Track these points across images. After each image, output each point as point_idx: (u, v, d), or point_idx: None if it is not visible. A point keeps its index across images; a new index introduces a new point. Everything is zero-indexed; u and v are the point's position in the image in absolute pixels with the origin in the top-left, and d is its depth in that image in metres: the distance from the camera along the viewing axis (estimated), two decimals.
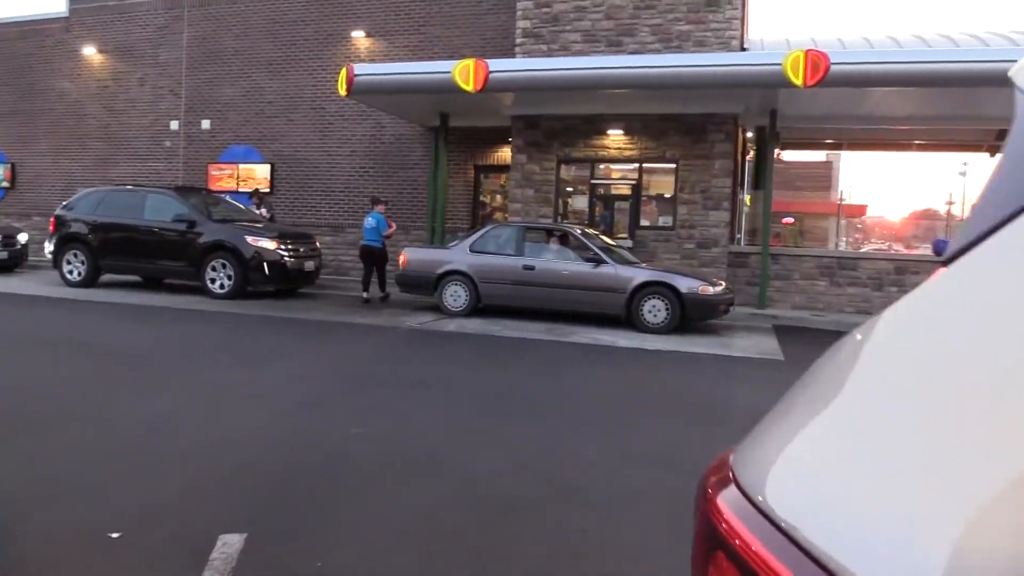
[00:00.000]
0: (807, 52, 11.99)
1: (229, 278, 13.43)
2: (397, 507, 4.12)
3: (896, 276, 14.49)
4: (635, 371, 8.68)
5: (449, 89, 13.33)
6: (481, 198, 18.35)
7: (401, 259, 13.03)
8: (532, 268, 12.07)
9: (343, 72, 13.93)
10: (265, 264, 13.35)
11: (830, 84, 12.08)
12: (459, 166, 17.74)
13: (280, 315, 11.85)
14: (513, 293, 12.21)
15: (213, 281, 13.54)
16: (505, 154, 16.88)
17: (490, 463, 4.98)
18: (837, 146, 24.44)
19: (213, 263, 13.54)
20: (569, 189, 16.18)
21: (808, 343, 11.36)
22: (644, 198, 15.59)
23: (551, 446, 5.43)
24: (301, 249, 14.09)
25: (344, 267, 18.23)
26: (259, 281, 13.53)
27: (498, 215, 17.83)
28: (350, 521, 3.89)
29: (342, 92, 14.06)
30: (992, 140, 20.22)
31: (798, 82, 12.02)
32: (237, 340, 9.79)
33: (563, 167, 15.92)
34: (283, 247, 13.61)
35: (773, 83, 12.38)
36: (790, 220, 31.23)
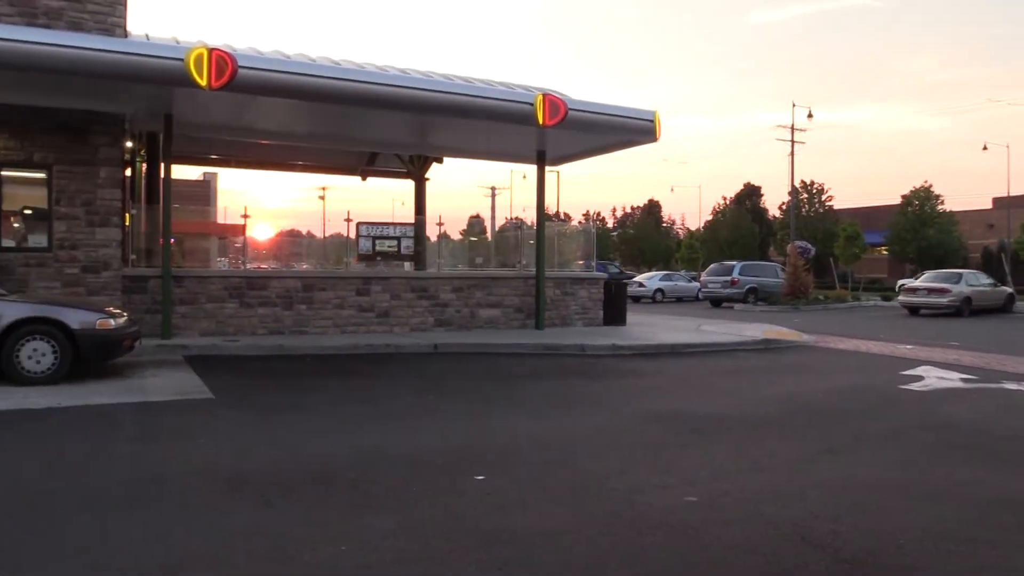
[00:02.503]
0: (211, 51, 10.80)
1: None
2: None
3: (305, 293, 14.28)
4: (22, 453, 6.34)
5: None
6: None
7: None
8: None
9: None
10: None
11: (237, 89, 11.13)
12: None
13: None
14: None
15: None
16: None
17: None
18: (224, 162, 23.65)
19: None
20: None
21: (232, 373, 10.23)
22: (7, 212, 12.30)
23: None
24: None
25: None
26: None
27: None
28: None
29: None
30: (364, 165, 21.89)
31: (202, 82, 10.76)
32: None
33: None
34: None
35: (173, 80, 10.86)
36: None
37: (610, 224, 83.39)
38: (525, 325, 15.84)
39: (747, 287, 29.94)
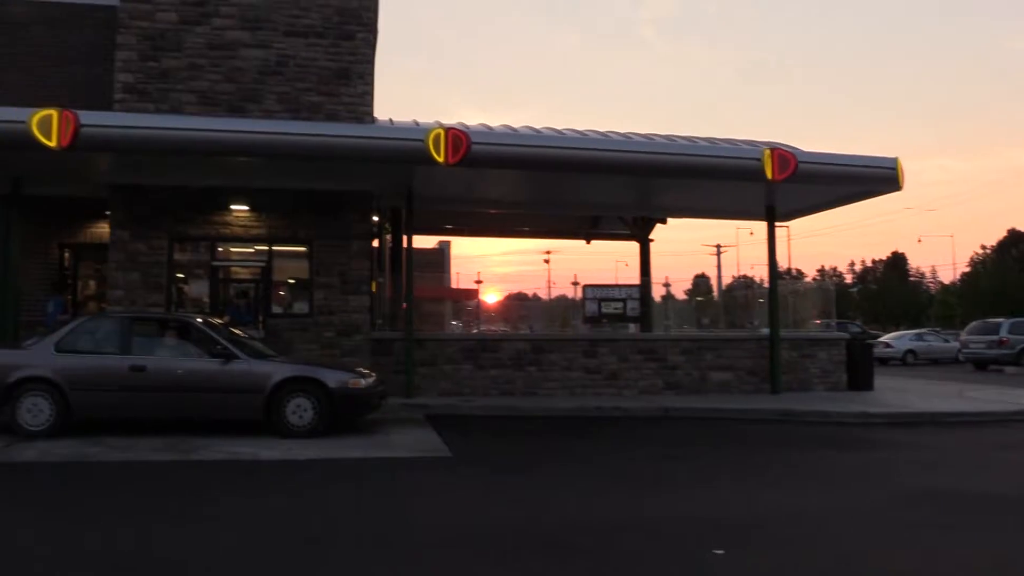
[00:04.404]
0: (448, 130, 11.61)
1: None
2: None
3: (534, 355, 14.62)
4: (292, 498, 6.91)
5: (24, 144, 10.48)
6: (69, 283, 15.05)
7: None
8: (143, 369, 9.65)
9: None
10: None
11: (471, 164, 11.81)
12: (38, 245, 14.34)
13: None
14: (119, 402, 9.61)
15: None
16: (103, 231, 14.00)
17: None
18: (456, 231, 25.15)
19: None
20: (180, 275, 13.80)
21: (469, 433, 10.61)
22: (276, 282, 13.90)
23: None
24: None
25: None
26: None
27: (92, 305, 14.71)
28: None
29: None
30: (588, 228, 22.27)
31: (440, 159, 11.55)
32: None
33: (177, 247, 13.58)
34: None
35: (415, 159, 11.79)
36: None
37: (848, 280, 78.10)
38: (760, 389, 15.07)
39: (1019, 347, 26.48)
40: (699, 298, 64.92)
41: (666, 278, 63.86)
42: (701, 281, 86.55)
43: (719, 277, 66.60)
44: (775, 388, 14.84)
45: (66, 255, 15.06)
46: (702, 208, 18.04)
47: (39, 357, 9.67)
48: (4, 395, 9.40)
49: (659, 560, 5.05)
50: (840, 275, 79.31)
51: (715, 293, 65.77)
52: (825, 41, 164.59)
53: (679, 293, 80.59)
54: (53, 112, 10.44)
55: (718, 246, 66.13)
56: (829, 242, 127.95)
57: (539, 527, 5.80)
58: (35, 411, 9.40)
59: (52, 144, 10.40)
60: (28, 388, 9.44)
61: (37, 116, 10.39)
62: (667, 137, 15.66)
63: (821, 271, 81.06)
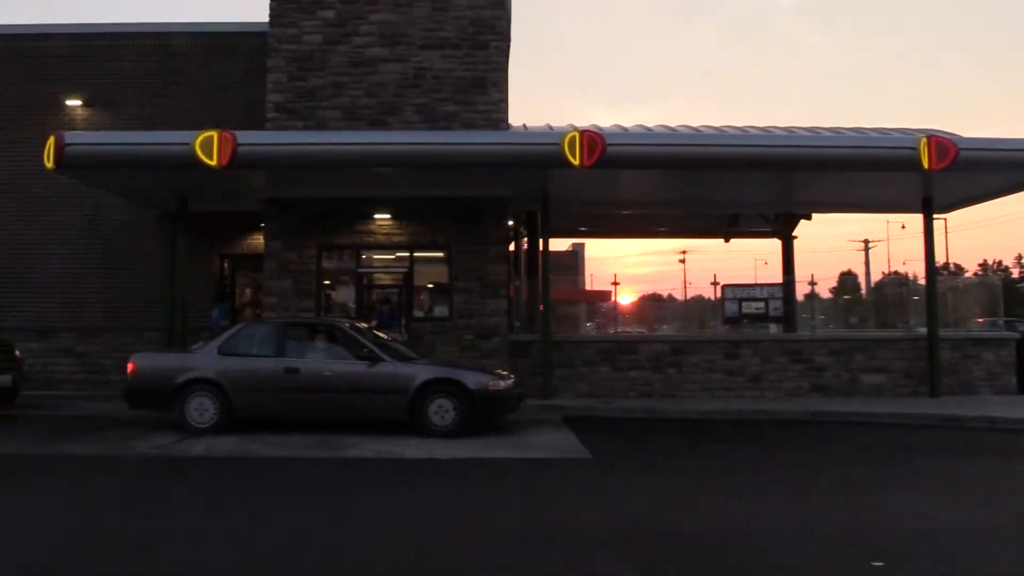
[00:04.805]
0: (583, 132, 11.62)
1: None
2: None
3: (673, 357, 14.37)
4: (439, 496, 7.12)
5: (189, 164, 11.34)
6: (228, 291, 16.15)
7: (129, 367, 10.60)
8: (296, 371, 10.23)
9: (50, 140, 11.41)
10: None
11: (606, 165, 11.76)
12: (202, 256, 15.46)
13: None
14: (274, 402, 10.24)
15: None
16: (258, 242, 14.94)
17: None
18: (591, 233, 25.09)
19: None
20: (327, 281, 14.52)
21: (607, 435, 10.55)
22: (417, 287, 14.37)
23: None
24: None
25: (56, 380, 14.94)
26: None
27: (248, 311, 15.73)
28: None
29: (49, 165, 11.50)
30: (726, 226, 21.63)
31: (575, 162, 11.57)
32: None
33: (325, 255, 14.30)
34: None
35: (550, 163, 11.85)
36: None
37: (1015, 274, 72.03)
38: (917, 392, 14.16)
39: None
40: (846, 296, 61.70)
41: (812, 276, 60.90)
42: (847, 278, 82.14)
43: (867, 274, 63.06)
44: (934, 391, 13.89)
45: (225, 265, 16.15)
46: (851, 202, 17.13)
47: (204, 360, 10.43)
48: (173, 395, 10.22)
49: (810, 569, 4.84)
50: (1006, 269, 73.25)
51: (863, 291, 62.33)
52: (981, 20, 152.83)
53: (823, 291, 76.88)
54: (213, 134, 11.25)
55: (866, 241, 62.63)
56: (992, 234, 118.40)
57: (675, 532, 5.68)
58: (201, 409, 10.16)
59: (213, 163, 11.21)
60: (195, 389, 10.22)
61: (200, 138, 11.23)
62: (810, 130, 15.02)
63: (983, 265, 75.18)
